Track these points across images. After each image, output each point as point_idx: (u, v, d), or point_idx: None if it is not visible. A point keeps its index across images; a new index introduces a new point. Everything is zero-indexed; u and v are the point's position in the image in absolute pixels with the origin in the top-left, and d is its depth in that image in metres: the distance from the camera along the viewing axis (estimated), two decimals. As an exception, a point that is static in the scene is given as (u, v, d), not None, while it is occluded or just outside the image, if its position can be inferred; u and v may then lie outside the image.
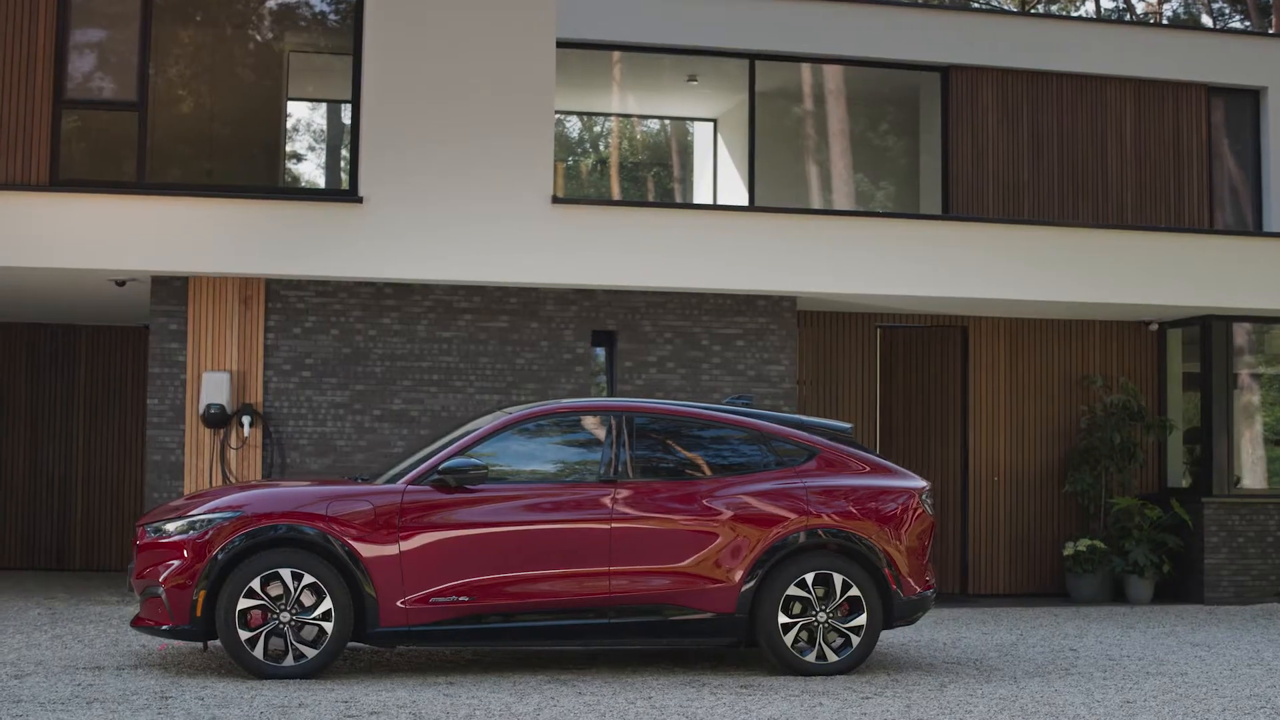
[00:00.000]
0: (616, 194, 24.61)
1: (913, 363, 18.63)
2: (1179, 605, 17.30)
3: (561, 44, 17.89)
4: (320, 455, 15.61)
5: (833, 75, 20.47)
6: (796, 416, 11.99)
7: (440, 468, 10.92)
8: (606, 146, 26.66)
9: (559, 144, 25.67)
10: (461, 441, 11.18)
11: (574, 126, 27.87)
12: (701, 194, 21.71)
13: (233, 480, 15.26)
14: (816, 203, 20.57)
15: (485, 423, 11.49)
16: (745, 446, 11.57)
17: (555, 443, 11.52)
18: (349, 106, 16.24)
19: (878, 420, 18.39)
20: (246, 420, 15.39)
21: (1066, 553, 17.55)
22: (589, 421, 11.56)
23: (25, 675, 10.53)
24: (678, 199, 23.14)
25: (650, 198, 24.23)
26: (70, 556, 19.73)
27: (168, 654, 11.72)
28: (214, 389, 15.27)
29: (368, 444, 15.66)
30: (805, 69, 20.38)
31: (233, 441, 15.44)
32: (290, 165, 26.26)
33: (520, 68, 15.97)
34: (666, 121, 24.11)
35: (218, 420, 15.28)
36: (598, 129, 27.03)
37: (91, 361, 19.89)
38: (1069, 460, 18.18)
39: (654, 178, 25.93)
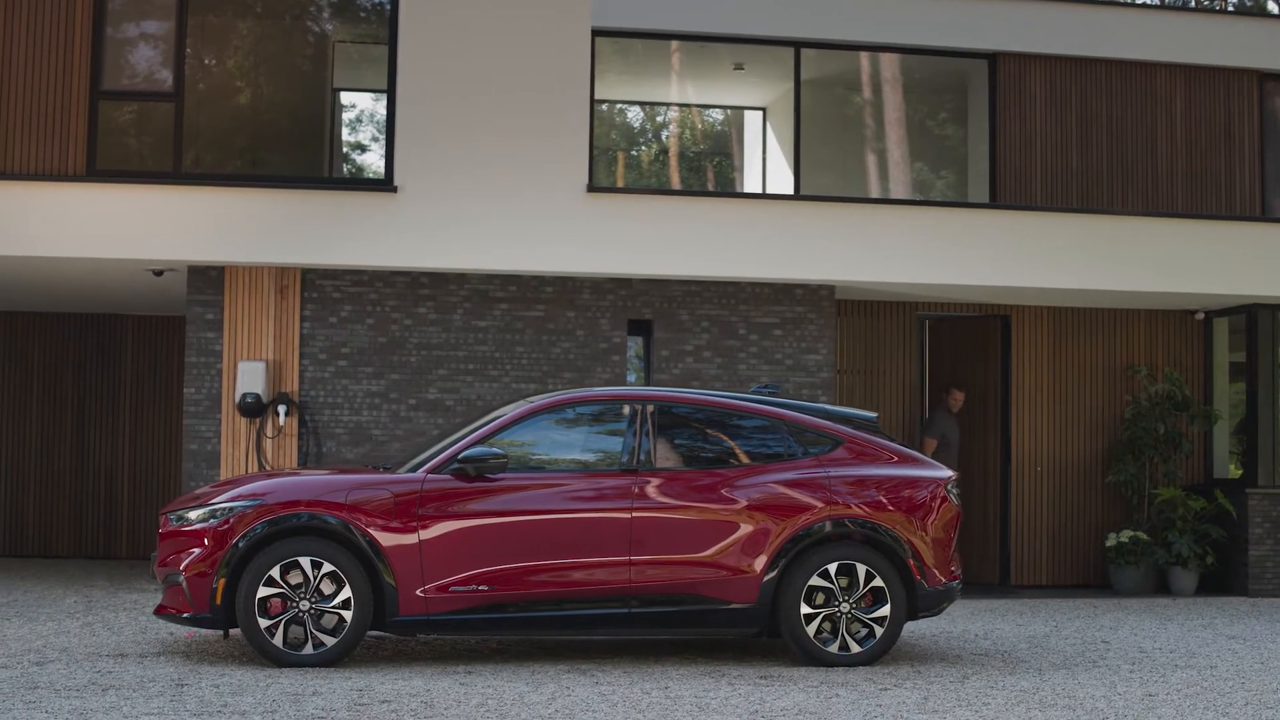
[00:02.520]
0: (676, 183, 24.53)
1: (955, 351, 18.47)
2: (1222, 597, 17.09)
3: (605, 32, 17.86)
4: (356, 444, 15.65)
5: (882, 63, 20.31)
6: (822, 405, 11.90)
7: (460, 457, 10.90)
8: (668, 136, 26.59)
9: (621, 133, 25.65)
10: (482, 430, 11.16)
11: (636, 116, 27.83)
12: (751, 182, 21.62)
13: (268, 469, 15.31)
14: (875, 192, 20.43)
15: (506, 412, 11.46)
16: (769, 435, 11.48)
17: (577, 431, 11.47)
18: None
19: (925, 407, 18.25)
20: (282, 409, 15.45)
21: (1109, 544, 17.38)
22: (611, 410, 11.49)
23: (48, 662, 10.60)
24: (738, 188, 23.04)
25: (711, 187, 24.16)
26: (117, 545, 19.90)
27: (193, 642, 11.78)
28: (250, 378, 15.34)
29: (404, 433, 15.69)
30: (854, 57, 20.22)
31: (268, 430, 15.51)
32: (355, 155, 26.41)
33: (555, 56, 15.94)
34: (727, 111, 24.01)
35: (254, 409, 15.34)
36: (660, 119, 26.98)
37: (137, 351, 20.04)
38: (1112, 450, 18.00)
39: (715, 167, 25.87)
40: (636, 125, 27.60)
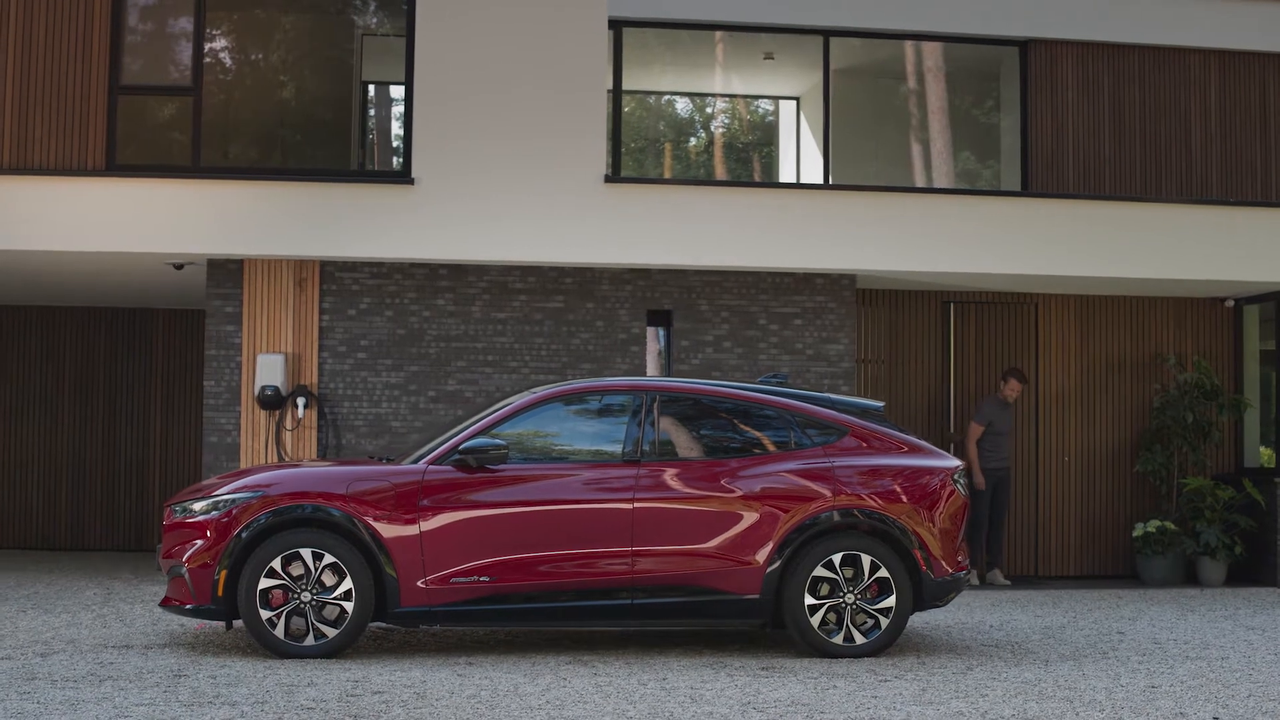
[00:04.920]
0: (721, 174, 24.45)
1: (983, 340, 18.30)
2: (1251, 588, 16.87)
3: (624, 22, 17.77)
4: (375, 436, 15.68)
5: (915, 52, 20.14)
6: (827, 395, 11.82)
7: (461, 448, 10.90)
8: (715, 126, 26.53)
9: (670, 124, 25.58)
10: (483, 421, 11.16)
11: (685, 107, 27.74)
12: (786, 172, 21.51)
13: (287, 462, 15.34)
14: (909, 181, 20.25)
15: (509, 403, 11.45)
16: (773, 425, 11.42)
17: (579, 422, 11.45)
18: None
19: (952, 398, 18.10)
20: (301, 402, 15.49)
21: (1136, 534, 17.20)
22: (613, 401, 11.45)
23: (52, 653, 10.66)
24: (776, 178, 22.90)
25: (756, 177, 24.02)
26: (148, 538, 20.00)
27: (201, 634, 11.82)
28: (269, 371, 15.38)
29: (423, 425, 15.69)
30: (886, 46, 20.05)
31: (288, 423, 15.55)
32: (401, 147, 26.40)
33: (571, 47, 15.92)
34: (765, 101, 23.86)
35: (273, 402, 15.38)
36: (709, 109, 26.89)
37: (168, 344, 20.16)
38: (1141, 440, 17.83)
39: (752, 157, 25.75)
40: (685, 115, 27.54)
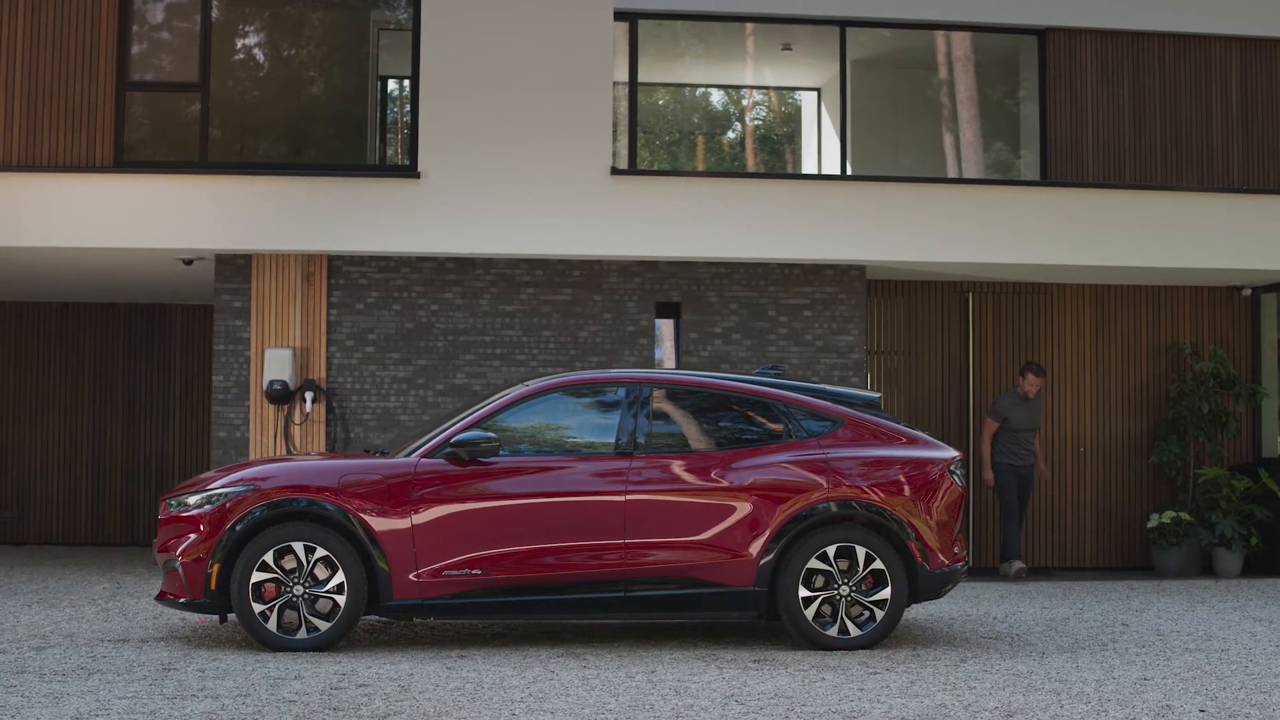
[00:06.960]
0: (751, 166, 24.38)
1: (1002, 330, 18.17)
2: (1267, 579, 16.70)
3: (634, 15, 17.73)
4: (384, 430, 15.70)
5: (947, 41, 20.01)
6: (822, 386, 11.74)
7: (453, 441, 10.90)
8: (750, 119, 26.50)
9: (704, 118, 25.54)
10: (476, 414, 11.16)
11: (719, 99, 27.72)
12: (808, 163, 21.43)
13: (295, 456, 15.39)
14: (952, 172, 20.13)
15: (502, 395, 11.43)
16: (767, 417, 11.37)
17: (572, 414, 11.42)
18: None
19: (971, 388, 18.00)
20: (309, 396, 15.53)
21: (1150, 525, 17.07)
22: (606, 393, 11.42)
23: (47, 647, 10.71)
24: (800, 170, 22.82)
25: (789, 168, 23.96)
26: (168, 532, 20.06)
27: (200, 628, 11.85)
28: (277, 365, 15.43)
29: (430, 418, 15.70)
30: (904, 36, 19.94)
31: (296, 417, 15.59)
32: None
33: (578, 39, 15.90)
34: (791, 92, 23.79)
35: (281, 396, 15.43)
36: (743, 101, 26.86)
37: (186, 340, 20.24)
38: (1156, 430, 17.70)
39: (777, 149, 25.68)
40: (714, 107, 27.49)
